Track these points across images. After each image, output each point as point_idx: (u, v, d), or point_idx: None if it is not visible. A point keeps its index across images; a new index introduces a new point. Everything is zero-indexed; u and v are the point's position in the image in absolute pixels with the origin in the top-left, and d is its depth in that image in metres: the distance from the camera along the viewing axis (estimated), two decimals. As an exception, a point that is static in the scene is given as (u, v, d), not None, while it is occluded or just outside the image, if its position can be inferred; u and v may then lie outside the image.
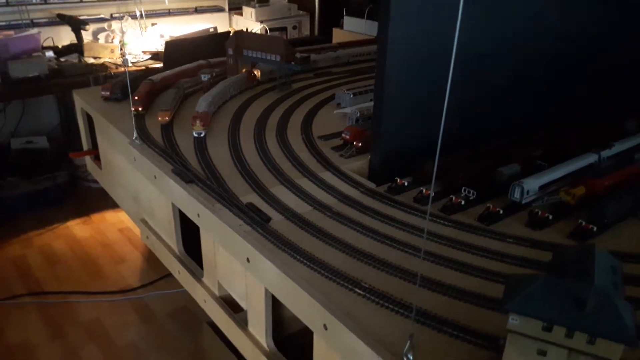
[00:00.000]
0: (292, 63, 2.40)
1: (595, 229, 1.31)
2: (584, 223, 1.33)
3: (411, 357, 0.95)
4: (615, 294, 0.84)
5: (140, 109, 1.98)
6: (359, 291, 1.14)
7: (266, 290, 1.32)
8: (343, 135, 1.79)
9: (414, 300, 1.07)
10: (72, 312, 2.64)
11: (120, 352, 2.41)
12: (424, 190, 1.51)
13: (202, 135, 1.84)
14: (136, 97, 1.97)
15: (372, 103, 1.72)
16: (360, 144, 1.74)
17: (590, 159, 1.59)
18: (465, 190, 1.48)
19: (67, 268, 2.97)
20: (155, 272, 2.88)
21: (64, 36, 3.80)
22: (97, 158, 2.34)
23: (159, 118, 1.91)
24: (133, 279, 2.90)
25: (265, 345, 1.42)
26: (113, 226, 3.37)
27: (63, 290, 2.77)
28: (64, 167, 3.58)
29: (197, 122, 1.82)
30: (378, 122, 1.59)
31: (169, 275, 2.83)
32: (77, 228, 3.34)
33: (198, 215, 1.49)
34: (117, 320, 2.61)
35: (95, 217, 3.46)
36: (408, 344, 0.95)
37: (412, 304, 1.03)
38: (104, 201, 3.47)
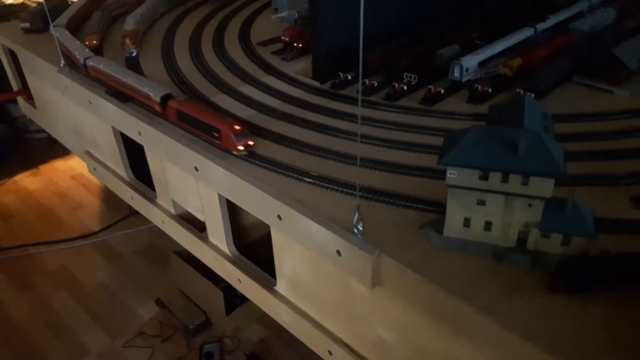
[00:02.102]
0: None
1: (532, 95, 1.34)
2: (522, 92, 1.35)
3: (361, 227, 0.98)
4: (545, 134, 0.87)
5: (251, 142, 1.26)
6: (308, 180, 1.15)
7: (219, 196, 1.32)
8: (282, 37, 1.73)
9: (357, 178, 1.08)
10: (36, 263, 2.59)
11: (92, 294, 2.41)
12: (367, 82, 1.50)
13: (134, 54, 1.74)
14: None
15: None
16: (300, 45, 1.69)
17: (527, 32, 1.60)
18: (407, 76, 1.47)
19: (23, 221, 2.87)
20: (116, 214, 2.83)
21: (-29, -24, 3.43)
22: (29, 97, 2.20)
23: (87, 43, 1.78)
24: (93, 223, 2.84)
25: (227, 251, 1.44)
26: (64, 174, 3.25)
27: (22, 243, 2.70)
28: (1, 120, 3.36)
29: (127, 40, 1.72)
30: (315, 18, 1.54)
31: (130, 214, 2.80)
32: (27, 181, 3.20)
33: (139, 133, 1.44)
34: (83, 264, 2.58)
35: (44, 168, 3.31)
36: (357, 215, 0.97)
37: (356, 182, 1.05)
38: (50, 151, 3.33)
